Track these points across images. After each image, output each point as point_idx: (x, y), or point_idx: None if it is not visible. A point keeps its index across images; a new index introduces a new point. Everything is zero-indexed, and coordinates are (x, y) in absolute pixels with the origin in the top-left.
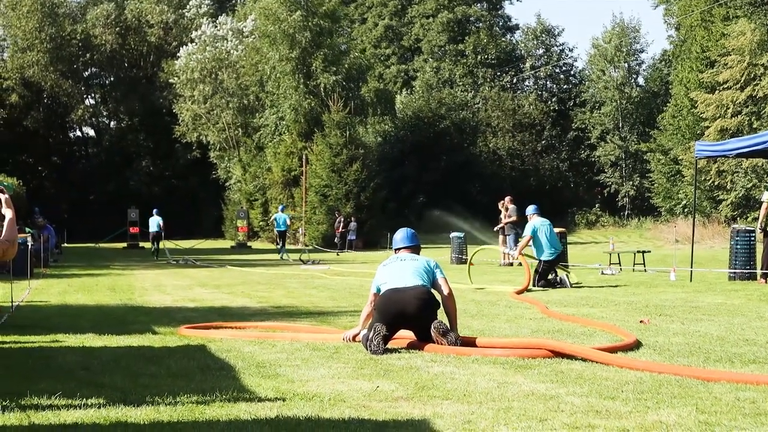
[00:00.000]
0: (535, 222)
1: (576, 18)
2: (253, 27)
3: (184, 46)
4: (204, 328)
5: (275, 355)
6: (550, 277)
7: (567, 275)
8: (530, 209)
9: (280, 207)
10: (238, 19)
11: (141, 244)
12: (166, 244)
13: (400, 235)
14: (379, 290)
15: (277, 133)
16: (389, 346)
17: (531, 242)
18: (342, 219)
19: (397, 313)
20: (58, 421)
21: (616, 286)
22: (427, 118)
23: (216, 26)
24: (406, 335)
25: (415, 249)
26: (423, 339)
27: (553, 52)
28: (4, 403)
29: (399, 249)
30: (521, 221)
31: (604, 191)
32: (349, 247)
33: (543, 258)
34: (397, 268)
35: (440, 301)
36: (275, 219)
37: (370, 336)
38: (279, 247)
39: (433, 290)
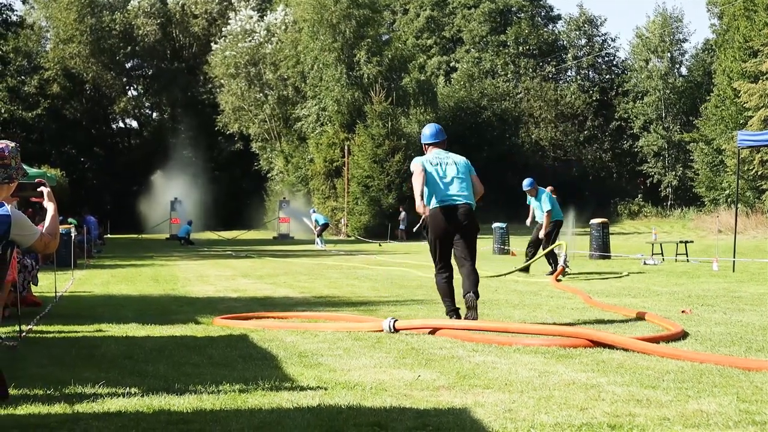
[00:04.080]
0: (549, 194)
1: (618, 7)
2: (285, 18)
3: (219, 41)
4: (239, 318)
5: (317, 344)
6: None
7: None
8: (528, 183)
9: (312, 209)
10: (284, 4)
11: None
12: (209, 235)
13: (429, 131)
14: (424, 168)
15: (319, 124)
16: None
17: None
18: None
19: (449, 223)
20: (102, 410)
21: (659, 275)
22: (468, 109)
23: (250, 18)
24: (420, 323)
25: (444, 143)
26: (459, 246)
27: (596, 42)
28: (48, 392)
29: (429, 144)
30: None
31: (646, 181)
32: (393, 237)
33: (557, 218)
34: (446, 172)
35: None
36: (316, 220)
37: (441, 274)
38: (319, 237)
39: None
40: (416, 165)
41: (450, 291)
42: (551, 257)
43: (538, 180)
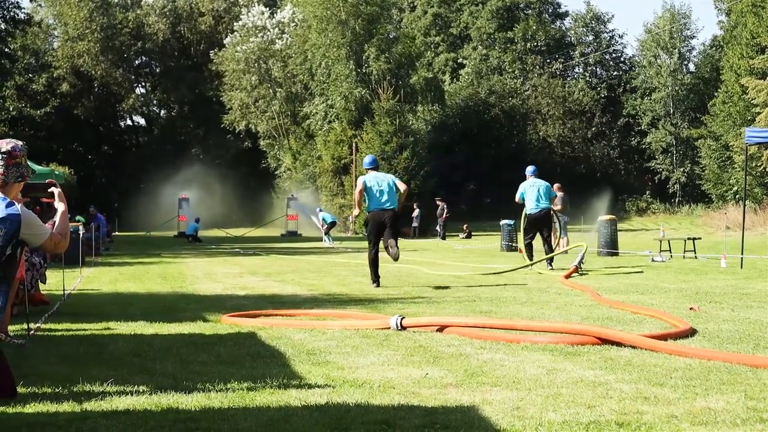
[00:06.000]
0: (525, 184)
1: (625, 4)
2: (293, 15)
3: (228, 37)
4: (247, 316)
5: (325, 342)
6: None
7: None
8: (529, 170)
9: (319, 209)
10: (292, 3)
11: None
12: (216, 233)
13: (368, 160)
14: (365, 185)
15: (327, 121)
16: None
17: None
18: (444, 206)
19: (381, 222)
20: (110, 408)
21: (666, 273)
22: (476, 106)
23: (261, 14)
24: (428, 321)
25: (377, 168)
26: (387, 236)
27: (603, 38)
28: (56, 390)
29: (369, 168)
30: (576, 210)
31: (654, 178)
32: (401, 235)
33: (528, 212)
34: (379, 188)
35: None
36: (323, 218)
37: (372, 249)
38: (326, 235)
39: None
40: (360, 184)
41: (376, 262)
42: (529, 250)
43: (545, 177)
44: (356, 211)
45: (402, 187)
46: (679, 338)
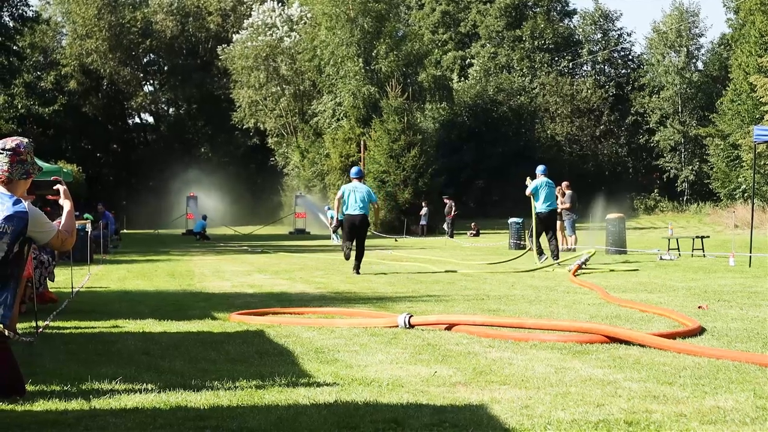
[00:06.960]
0: (539, 181)
1: (634, 2)
2: (302, 13)
3: (237, 34)
4: (255, 314)
5: (333, 340)
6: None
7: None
8: (540, 169)
9: (327, 206)
10: (299, 2)
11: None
12: (224, 231)
13: (354, 170)
14: (342, 194)
15: (335, 119)
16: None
17: (533, 196)
18: (452, 204)
19: (351, 224)
20: (119, 406)
21: (675, 271)
22: (484, 104)
23: (269, 13)
24: (436, 319)
25: (361, 178)
26: (356, 237)
27: (611, 36)
28: (65, 388)
29: (354, 178)
30: (584, 208)
31: (663, 176)
32: (408, 232)
33: (539, 210)
34: (353, 196)
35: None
36: (332, 216)
37: (345, 247)
38: (334, 233)
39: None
40: (339, 193)
41: (349, 257)
42: (539, 248)
43: (553, 175)
44: (334, 214)
45: (375, 203)
46: (687, 337)
